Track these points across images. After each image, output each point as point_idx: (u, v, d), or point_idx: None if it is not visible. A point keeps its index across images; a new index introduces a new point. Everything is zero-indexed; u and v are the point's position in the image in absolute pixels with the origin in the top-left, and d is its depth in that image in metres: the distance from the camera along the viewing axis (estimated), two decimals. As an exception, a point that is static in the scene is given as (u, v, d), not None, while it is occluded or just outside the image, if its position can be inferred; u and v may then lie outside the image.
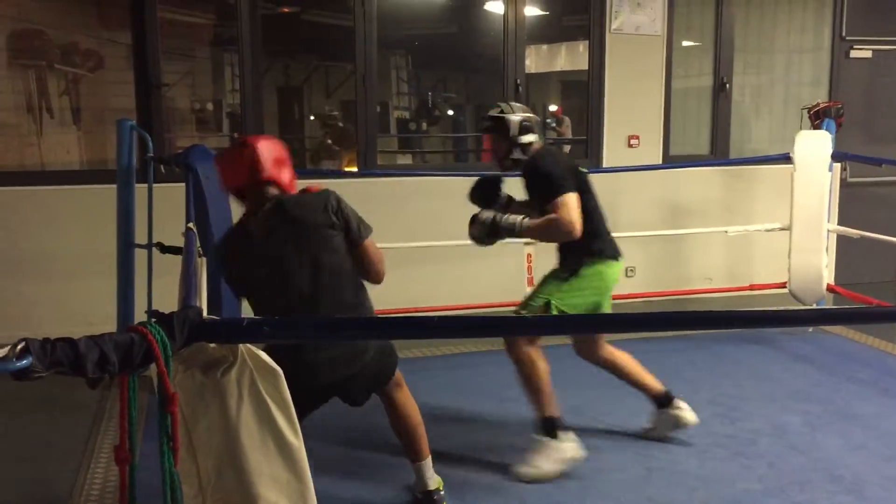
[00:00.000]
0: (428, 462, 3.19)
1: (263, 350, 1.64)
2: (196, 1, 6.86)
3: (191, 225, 2.93)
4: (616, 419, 4.11)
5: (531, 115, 3.62)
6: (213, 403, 1.29)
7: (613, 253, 3.68)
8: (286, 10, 7.81)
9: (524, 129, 3.55)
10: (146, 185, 4.25)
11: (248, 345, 1.30)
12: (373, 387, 2.99)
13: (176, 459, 1.20)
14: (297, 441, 1.36)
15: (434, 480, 3.21)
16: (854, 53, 6.65)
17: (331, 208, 2.71)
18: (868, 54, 6.69)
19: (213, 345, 1.29)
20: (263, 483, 1.33)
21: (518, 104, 3.68)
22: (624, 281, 6.17)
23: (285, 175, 2.78)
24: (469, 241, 3.70)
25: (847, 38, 6.62)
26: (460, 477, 3.52)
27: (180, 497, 1.21)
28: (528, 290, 5.26)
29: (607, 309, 3.69)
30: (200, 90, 8.72)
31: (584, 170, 3.67)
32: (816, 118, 5.52)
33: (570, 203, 3.34)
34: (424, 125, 10.78)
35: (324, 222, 2.68)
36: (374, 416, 3.36)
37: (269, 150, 2.77)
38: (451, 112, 10.89)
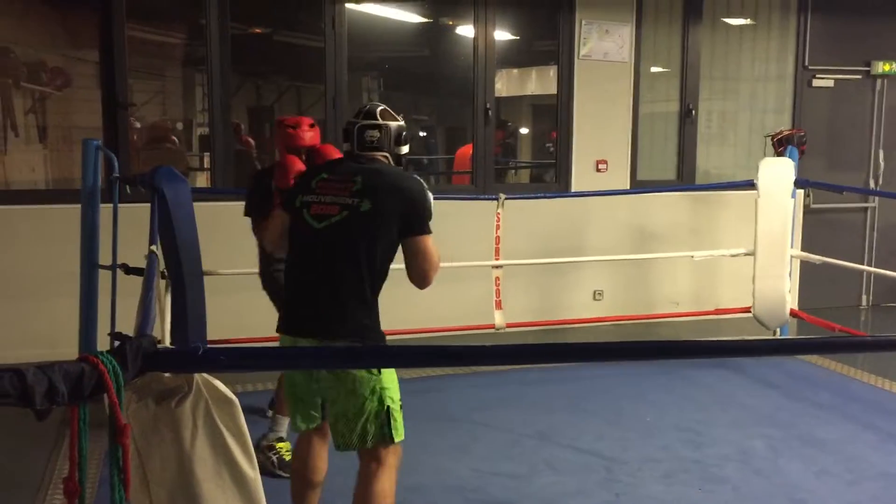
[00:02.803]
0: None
1: None
2: (166, 20, 6.82)
3: (153, 248, 2.89)
4: (583, 443, 4.11)
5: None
6: (167, 434, 1.27)
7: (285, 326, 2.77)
8: (257, 30, 7.79)
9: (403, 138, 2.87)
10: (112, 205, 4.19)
11: (204, 374, 1.29)
12: None
13: (127, 492, 1.18)
14: (253, 472, 1.34)
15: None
16: (816, 82, 6.78)
17: None
18: (830, 83, 6.82)
19: (167, 374, 1.27)
20: (218, 515, 1.31)
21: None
22: (592, 304, 6.23)
23: None
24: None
25: (809, 67, 6.75)
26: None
27: (131, 530, 1.19)
28: (497, 313, 5.28)
29: None
30: (171, 109, 8.65)
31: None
32: (780, 145, 5.61)
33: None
34: (396, 147, 10.74)
35: None
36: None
37: None
38: (422, 134, 10.89)
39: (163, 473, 1.29)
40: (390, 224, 2.59)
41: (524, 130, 10.73)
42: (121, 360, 1.19)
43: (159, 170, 3.77)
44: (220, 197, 5.39)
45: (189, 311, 3.47)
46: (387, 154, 2.78)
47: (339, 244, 2.60)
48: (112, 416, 1.16)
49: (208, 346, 1.30)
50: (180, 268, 3.59)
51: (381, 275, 2.67)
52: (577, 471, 3.82)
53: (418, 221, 2.62)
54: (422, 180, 2.73)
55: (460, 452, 4.00)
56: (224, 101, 5.66)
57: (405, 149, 2.83)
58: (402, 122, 2.86)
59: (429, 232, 2.64)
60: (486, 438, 4.17)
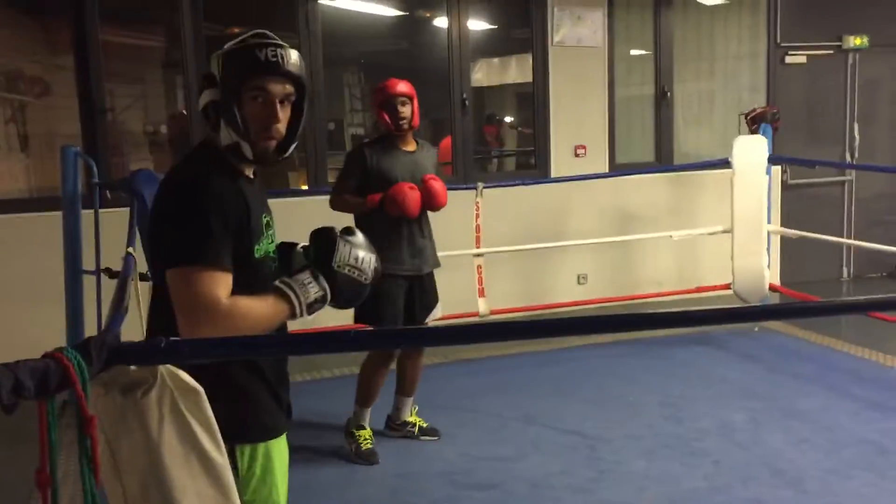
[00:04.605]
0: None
1: None
2: (141, 23, 6.84)
3: (130, 249, 2.95)
4: (568, 424, 4.18)
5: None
6: (135, 424, 1.32)
7: None
8: (234, 30, 7.82)
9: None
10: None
11: (169, 366, 1.34)
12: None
13: (97, 481, 1.24)
14: (221, 458, 1.40)
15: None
16: (789, 59, 6.85)
17: None
18: (803, 60, 6.89)
19: (133, 367, 1.33)
20: (188, 499, 1.36)
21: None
22: (576, 288, 6.30)
23: None
24: None
25: (782, 44, 6.82)
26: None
27: (103, 517, 1.25)
28: (481, 300, 5.34)
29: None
30: (153, 113, 8.67)
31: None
32: (753, 123, 5.68)
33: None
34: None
35: None
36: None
37: None
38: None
39: (132, 462, 1.34)
40: (156, 259, 1.84)
41: (508, 119, 10.78)
42: (85, 354, 1.24)
43: (138, 174, 3.82)
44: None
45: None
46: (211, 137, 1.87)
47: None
48: (78, 408, 1.22)
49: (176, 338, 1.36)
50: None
51: None
52: (561, 451, 3.89)
53: (163, 247, 1.80)
54: (204, 179, 1.78)
55: (448, 438, 4.06)
56: (202, 102, 5.69)
57: (203, 98, 1.83)
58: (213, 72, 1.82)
59: (183, 262, 1.73)
60: (473, 424, 4.23)
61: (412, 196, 3.67)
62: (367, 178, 3.76)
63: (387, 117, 3.77)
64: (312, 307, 1.80)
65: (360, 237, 1.94)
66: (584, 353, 5.27)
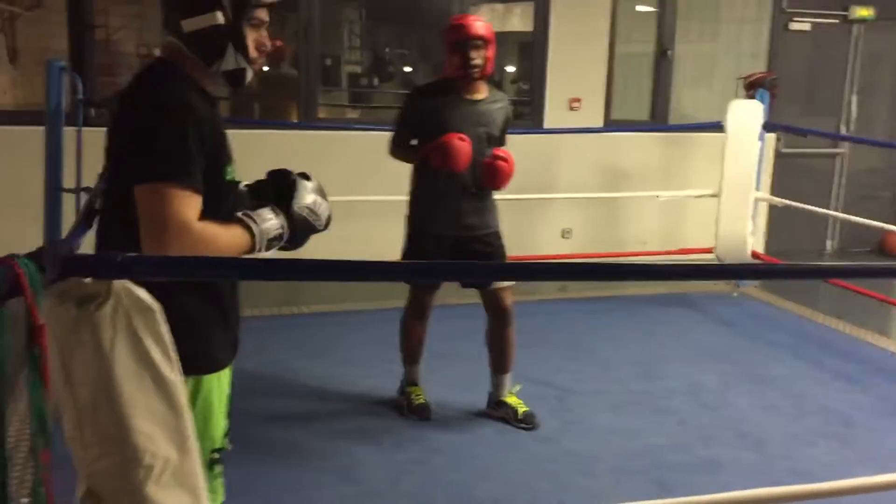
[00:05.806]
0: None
1: None
2: (140, -58, 6.68)
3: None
4: (540, 375, 4.21)
5: None
6: (87, 337, 1.31)
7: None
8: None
9: None
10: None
11: (125, 281, 1.33)
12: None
13: (46, 388, 1.24)
14: (174, 377, 1.40)
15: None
16: (793, 26, 6.76)
17: None
18: (807, 27, 6.80)
19: (89, 280, 1.31)
20: (138, 415, 1.36)
21: None
22: (561, 242, 6.30)
23: None
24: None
25: (787, 10, 6.72)
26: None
27: (49, 428, 1.25)
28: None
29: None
30: (148, 35, 8.53)
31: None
32: (751, 88, 5.63)
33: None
34: (376, 80, 10.70)
35: None
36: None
37: None
38: (409, 69, 10.77)
39: (84, 374, 1.34)
40: (123, 174, 1.76)
41: (510, 69, 10.63)
42: (38, 263, 1.23)
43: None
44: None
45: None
46: (173, 42, 1.80)
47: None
48: (28, 316, 1.21)
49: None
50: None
51: None
52: (530, 401, 3.90)
53: (136, 161, 1.70)
54: (181, 94, 1.73)
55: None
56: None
57: (202, 20, 1.75)
58: None
59: (156, 178, 1.66)
60: (447, 369, 4.24)
61: (460, 148, 3.28)
62: (422, 126, 3.43)
63: (457, 60, 3.35)
64: (271, 244, 1.81)
65: (315, 182, 1.93)
66: (560, 307, 5.30)
